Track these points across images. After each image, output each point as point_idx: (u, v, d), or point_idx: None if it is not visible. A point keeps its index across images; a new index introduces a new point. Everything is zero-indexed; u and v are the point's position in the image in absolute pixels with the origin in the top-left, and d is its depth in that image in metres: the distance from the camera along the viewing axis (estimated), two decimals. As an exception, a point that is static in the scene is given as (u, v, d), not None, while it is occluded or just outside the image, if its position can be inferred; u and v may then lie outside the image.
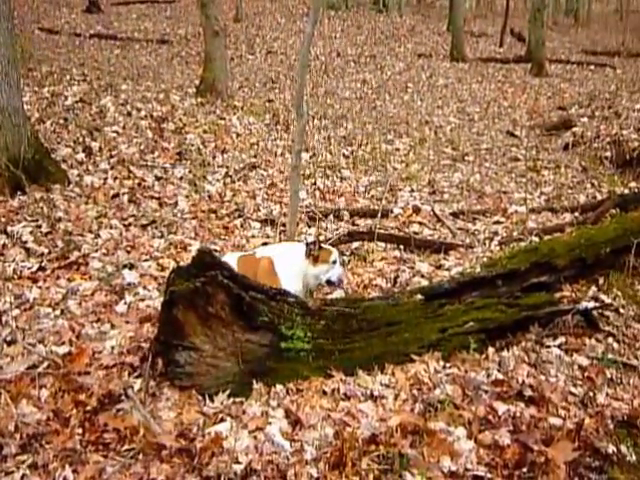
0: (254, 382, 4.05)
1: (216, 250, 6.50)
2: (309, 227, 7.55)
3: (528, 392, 4.07)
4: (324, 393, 4.04)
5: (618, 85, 18.50)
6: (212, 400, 3.95)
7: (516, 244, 6.97)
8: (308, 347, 4.21)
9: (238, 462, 3.41)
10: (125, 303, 5.31)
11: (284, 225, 6.95)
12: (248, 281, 4.18)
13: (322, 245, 5.28)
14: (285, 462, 3.43)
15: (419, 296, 4.81)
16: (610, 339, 4.91)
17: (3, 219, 6.79)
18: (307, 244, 5.18)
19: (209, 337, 4.01)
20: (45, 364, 4.23)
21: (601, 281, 5.70)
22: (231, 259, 4.88)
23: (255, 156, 10.46)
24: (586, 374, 4.40)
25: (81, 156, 9.13)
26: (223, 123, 12.06)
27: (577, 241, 5.64)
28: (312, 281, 5.16)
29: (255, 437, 3.63)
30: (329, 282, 5.24)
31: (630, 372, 4.48)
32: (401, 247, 7.01)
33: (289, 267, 5.04)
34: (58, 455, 3.47)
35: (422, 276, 6.23)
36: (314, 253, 5.09)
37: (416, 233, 7.50)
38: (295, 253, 5.16)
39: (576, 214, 8.05)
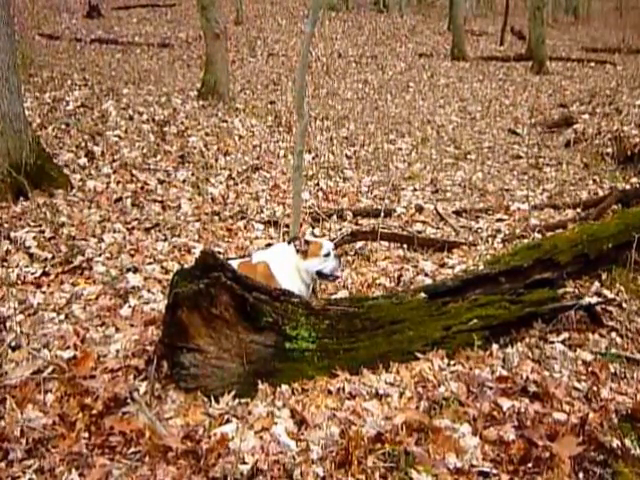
0: (259, 383, 4.06)
1: (220, 252, 6.52)
2: (312, 228, 7.57)
3: (532, 388, 4.08)
4: (329, 392, 4.05)
5: (618, 82, 18.50)
6: (217, 401, 3.95)
7: (519, 241, 6.99)
8: (313, 347, 4.21)
9: (244, 462, 3.42)
10: (129, 306, 5.32)
11: (287, 226, 6.96)
12: (251, 282, 4.18)
13: (309, 239, 5.26)
14: (291, 462, 3.44)
15: (423, 294, 4.82)
16: (613, 334, 4.92)
17: (6, 225, 6.80)
18: (289, 241, 5.18)
19: (213, 339, 4.02)
20: (50, 369, 4.24)
21: (604, 276, 5.69)
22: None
23: (258, 158, 10.49)
24: (590, 369, 4.40)
25: (83, 161, 9.15)
26: (225, 125, 12.09)
27: (579, 237, 5.64)
28: (305, 276, 5.12)
29: (261, 437, 3.63)
30: (321, 275, 5.17)
31: (634, 366, 4.48)
32: (404, 246, 7.03)
33: (285, 267, 5.04)
34: (64, 459, 3.48)
35: (426, 274, 6.25)
36: (300, 248, 5.08)
37: (419, 232, 7.51)
38: (288, 252, 5.15)
39: (578, 210, 8.07)
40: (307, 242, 5.14)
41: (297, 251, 5.08)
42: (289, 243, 5.19)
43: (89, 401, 3.90)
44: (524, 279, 5.08)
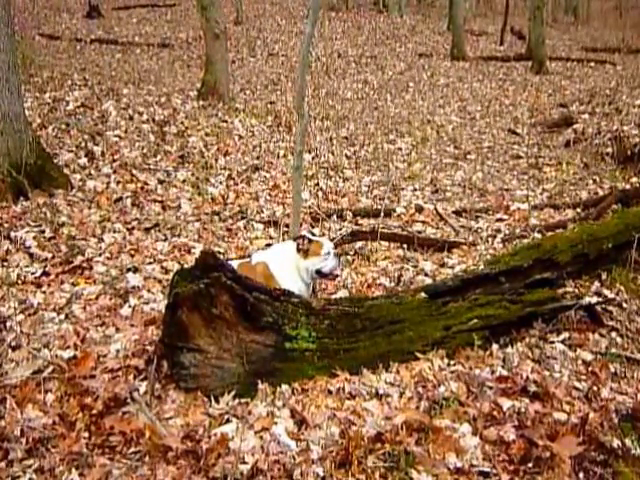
0: (259, 382, 4.06)
1: (220, 252, 6.51)
2: (312, 228, 7.56)
3: (532, 388, 4.07)
4: (329, 392, 4.05)
5: (618, 81, 18.52)
6: (217, 401, 3.96)
7: (519, 241, 6.99)
8: (313, 347, 4.21)
9: (244, 462, 3.42)
10: (129, 306, 5.32)
11: (287, 226, 6.96)
12: (251, 282, 4.19)
13: (312, 238, 5.26)
14: (291, 462, 3.44)
15: (423, 294, 4.82)
16: (614, 334, 4.91)
17: (6, 225, 6.80)
18: (294, 239, 5.18)
19: (214, 338, 4.02)
20: (50, 368, 4.25)
21: (604, 276, 5.69)
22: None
23: (257, 158, 10.48)
24: (590, 369, 4.40)
25: (83, 161, 9.15)
26: (225, 126, 12.10)
27: (579, 237, 5.64)
28: (304, 275, 5.13)
29: (261, 437, 3.63)
30: (321, 273, 5.18)
31: (634, 366, 4.48)
32: (404, 246, 7.02)
33: (284, 267, 5.05)
34: (64, 459, 3.48)
35: (426, 274, 6.24)
36: (303, 247, 5.09)
37: (419, 232, 7.51)
38: (287, 251, 5.17)
39: (578, 210, 8.07)
40: (310, 241, 5.15)
41: (299, 250, 5.09)
42: (294, 240, 5.19)
43: (89, 401, 3.91)
44: (524, 279, 5.07)
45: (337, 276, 5.45)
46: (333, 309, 4.40)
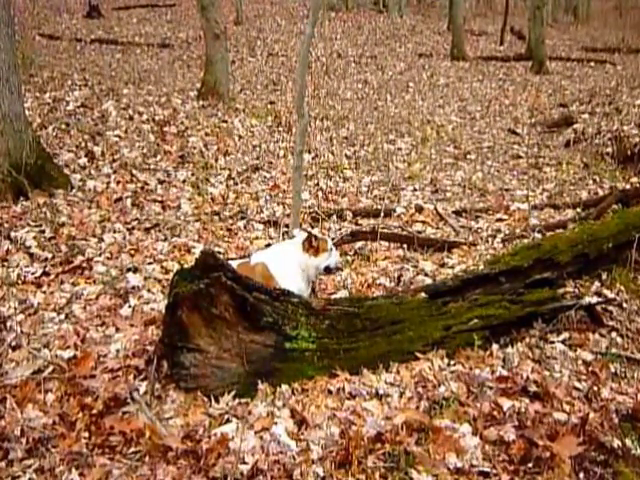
0: (259, 382, 4.07)
1: (220, 252, 6.51)
2: (312, 228, 7.56)
3: (532, 388, 4.08)
4: (329, 392, 4.05)
5: (618, 81, 18.50)
6: (217, 401, 3.96)
7: (519, 241, 6.98)
8: (313, 347, 4.22)
9: (244, 462, 3.42)
10: (129, 306, 5.32)
11: (287, 226, 6.97)
12: (251, 282, 4.19)
13: (317, 236, 5.32)
14: (291, 462, 3.44)
15: (423, 294, 4.83)
16: (614, 334, 4.92)
17: (6, 225, 6.80)
18: (305, 239, 5.20)
19: (214, 338, 4.02)
20: (50, 368, 4.26)
21: (604, 276, 5.69)
22: None
23: (257, 158, 10.48)
24: (590, 369, 4.41)
25: (83, 161, 9.15)
26: (225, 126, 12.09)
27: (579, 237, 5.64)
28: (313, 272, 5.22)
29: (261, 437, 3.64)
30: (328, 269, 5.31)
31: (634, 366, 4.48)
32: (404, 246, 7.01)
33: (284, 267, 5.07)
34: (64, 459, 3.49)
35: (426, 274, 6.24)
36: (314, 245, 5.12)
37: (419, 232, 7.49)
38: (288, 251, 5.20)
39: (578, 210, 8.05)
40: (316, 238, 5.19)
41: (309, 248, 5.13)
42: (306, 240, 5.20)
43: (89, 401, 3.91)
44: (524, 279, 5.07)
45: (340, 269, 5.51)
46: (333, 309, 4.41)
